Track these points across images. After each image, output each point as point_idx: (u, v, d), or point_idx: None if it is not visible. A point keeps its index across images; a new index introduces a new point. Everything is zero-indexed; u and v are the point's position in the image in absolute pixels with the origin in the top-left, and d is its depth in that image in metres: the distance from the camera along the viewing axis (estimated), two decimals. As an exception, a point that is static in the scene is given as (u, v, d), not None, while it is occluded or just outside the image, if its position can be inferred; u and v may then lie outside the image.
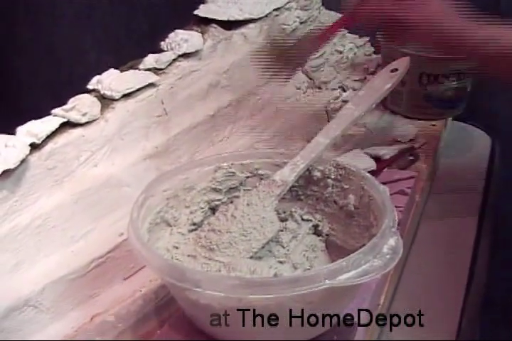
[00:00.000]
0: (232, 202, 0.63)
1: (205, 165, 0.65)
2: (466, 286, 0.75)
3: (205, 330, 0.57)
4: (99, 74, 0.79)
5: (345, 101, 0.94)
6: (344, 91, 0.96)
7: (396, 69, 0.67)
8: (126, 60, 1.24)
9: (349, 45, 0.99)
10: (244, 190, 0.66)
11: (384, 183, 0.73)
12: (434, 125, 0.95)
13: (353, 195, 0.62)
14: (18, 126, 0.68)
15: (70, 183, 0.69)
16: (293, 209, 0.65)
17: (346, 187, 0.63)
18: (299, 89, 0.93)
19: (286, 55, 0.93)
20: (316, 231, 0.65)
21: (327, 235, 0.65)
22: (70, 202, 0.68)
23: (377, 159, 0.84)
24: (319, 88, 0.95)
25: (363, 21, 0.80)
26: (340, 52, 0.98)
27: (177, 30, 0.85)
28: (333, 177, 0.63)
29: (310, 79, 0.94)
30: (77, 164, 0.70)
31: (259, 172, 0.66)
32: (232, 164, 0.65)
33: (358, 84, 0.97)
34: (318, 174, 0.64)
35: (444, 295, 0.73)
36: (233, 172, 0.66)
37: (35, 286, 0.63)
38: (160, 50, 0.86)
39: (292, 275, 0.52)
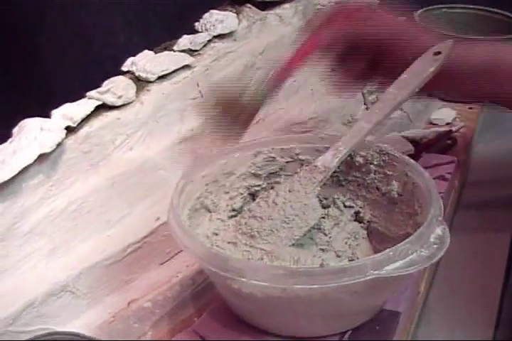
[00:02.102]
0: (272, 188, 0.62)
1: (245, 150, 0.64)
2: (504, 276, 0.73)
3: (245, 319, 0.56)
4: (130, 55, 0.78)
5: (381, 83, 0.92)
6: (381, 72, 0.94)
7: (439, 53, 0.65)
8: (156, 40, 1.22)
9: (385, 25, 0.97)
10: (285, 175, 0.64)
11: (425, 168, 0.72)
12: (471, 108, 0.93)
13: (396, 182, 0.60)
14: (48, 108, 0.67)
15: (105, 167, 0.68)
16: (335, 196, 0.64)
17: (389, 173, 0.61)
18: (334, 70, 0.91)
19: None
20: (357, 218, 0.64)
21: (368, 222, 0.63)
22: (105, 186, 0.67)
23: (414, 143, 0.82)
24: (355, 69, 0.92)
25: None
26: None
27: (212, 11, 0.84)
28: (375, 163, 0.62)
29: (346, 60, 0.92)
30: (113, 147, 0.69)
31: (300, 157, 0.64)
32: (272, 149, 0.64)
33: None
34: (360, 160, 0.62)
35: (481, 283, 0.72)
36: (273, 157, 0.64)
37: (72, 271, 0.62)
38: (194, 31, 0.85)
39: (339, 266, 0.51)
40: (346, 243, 0.60)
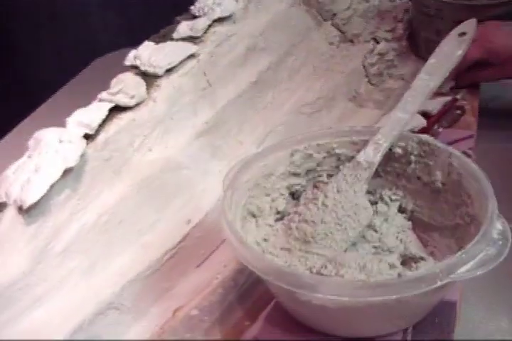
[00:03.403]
0: (316, 187, 0.61)
1: (281, 149, 0.62)
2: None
3: (308, 323, 0.55)
4: (107, 36, 0.74)
5: (380, 54, 0.91)
6: (377, 43, 0.92)
7: (464, 33, 0.63)
8: (132, 20, 1.18)
9: (374, -9, 0.95)
10: (323, 171, 0.63)
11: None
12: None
13: (439, 172, 0.59)
14: (28, 95, 0.64)
15: (128, 172, 0.65)
16: (382, 191, 0.63)
17: (431, 163, 0.60)
18: (331, 44, 0.88)
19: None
20: (400, 208, 0.63)
21: (411, 212, 0.63)
22: (132, 193, 0.64)
23: (424, 115, 0.81)
24: (351, 41, 0.90)
25: None
26: (367, 1, 0.93)
27: (206, -7, 0.80)
28: (416, 153, 0.61)
29: (341, 32, 0.90)
30: (132, 151, 0.66)
31: (336, 151, 0.62)
32: (308, 145, 0.62)
33: (389, 34, 0.93)
34: (399, 151, 0.61)
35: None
36: (310, 154, 0.62)
37: (114, 287, 0.60)
38: (187, 14, 0.81)
39: (416, 275, 0.49)
40: (397, 238, 0.59)
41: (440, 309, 0.57)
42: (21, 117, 1.02)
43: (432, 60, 0.63)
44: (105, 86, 0.73)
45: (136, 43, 1.16)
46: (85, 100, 0.75)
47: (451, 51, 0.63)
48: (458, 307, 0.59)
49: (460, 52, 0.62)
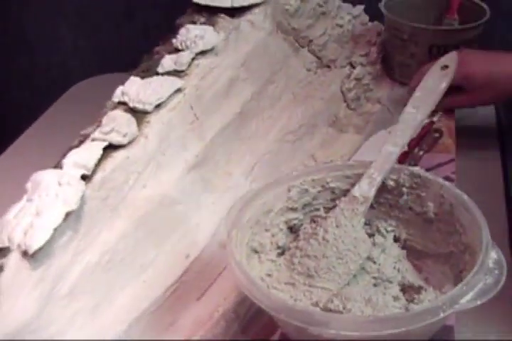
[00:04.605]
0: (314, 222, 0.63)
1: (279, 185, 0.64)
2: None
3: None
4: (78, 60, 0.75)
5: (357, 79, 0.93)
6: (353, 67, 0.94)
7: (446, 66, 0.66)
8: (104, 44, 1.18)
9: (347, 16, 0.97)
10: (324, 207, 0.65)
11: (427, 170, 0.74)
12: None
13: (431, 202, 0.62)
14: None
15: (125, 210, 0.66)
16: (378, 224, 0.65)
17: (423, 194, 0.63)
18: (309, 70, 0.91)
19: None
20: (394, 237, 0.66)
21: (405, 240, 0.65)
22: (130, 231, 0.65)
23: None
24: (328, 66, 0.92)
25: None
26: (341, 26, 0.96)
27: (188, 26, 0.81)
28: (407, 185, 0.63)
29: (318, 58, 0.92)
30: (128, 188, 0.67)
31: (331, 185, 0.65)
32: (304, 181, 0.64)
33: (364, 59, 0.95)
34: (391, 183, 0.64)
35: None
36: (306, 189, 0.65)
37: (122, 325, 0.62)
38: (165, 45, 0.83)
39: (422, 308, 0.52)
40: (395, 268, 0.62)
41: (440, 333, 0.59)
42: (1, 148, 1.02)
43: (417, 94, 0.66)
44: (84, 115, 0.75)
45: (107, 68, 1.18)
46: (65, 130, 0.77)
47: (435, 84, 0.66)
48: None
49: (444, 85, 0.65)
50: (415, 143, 0.83)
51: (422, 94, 0.65)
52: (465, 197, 0.59)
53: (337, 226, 0.60)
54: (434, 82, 0.66)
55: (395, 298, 0.57)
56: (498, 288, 0.52)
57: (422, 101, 0.65)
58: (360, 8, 1.00)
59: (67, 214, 0.59)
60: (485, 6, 0.95)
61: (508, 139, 0.96)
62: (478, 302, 0.51)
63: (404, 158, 0.80)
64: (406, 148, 0.82)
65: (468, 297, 0.51)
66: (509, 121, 1.00)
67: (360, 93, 0.93)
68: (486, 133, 0.95)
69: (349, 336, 0.49)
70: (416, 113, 0.65)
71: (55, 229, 0.58)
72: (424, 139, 0.84)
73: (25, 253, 0.57)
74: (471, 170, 0.84)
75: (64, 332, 0.59)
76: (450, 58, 0.67)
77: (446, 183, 0.61)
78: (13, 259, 0.57)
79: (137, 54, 0.83)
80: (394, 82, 0.96)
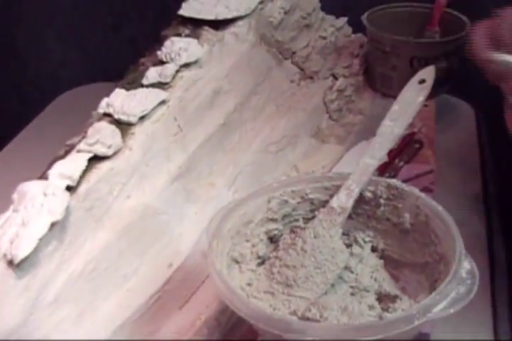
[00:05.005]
0: (293, 232, 0.64)
1: (259, 197, 0.65)
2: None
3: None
4: (67, 72, 0.76)
5: (339, 90, 0.95)
6: (336, 79, 0.96)
7: (424, 81, 0.68)
8: (92, 55, 1.19)
9: (330, 28, 0.99)
10: (303, 218, 0.67)
11: (406, 181, 0.76)
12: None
13: (407, 213, 0.64)
14: None
15: (109, 221, 0.68)
16: (356, 234, 0.67)
17: (399, 206, 0.64)
18: (292, 81, 0.92)
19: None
20: (372, 247, 0.67)
21: (382, 250, 0.67)
22: (114, 241, 0.67)
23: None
24: (311, 78, 0.94)
25: None
26: (324, 38, 0.97)
27: (172, 38, 0.83)
28: (384, 196, 0.65)
29: (301, 70, 0.94)
30: (112, 199, 0.68)
31: (310, 196, 0.66)
32: (284, 192, 0.66)
33: (346, 70, 0.97)
34: (369, 195, 0.65)
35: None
36: (285, 200, 0.66)
37: (105, 333, 0.63)
38: (150, 56, 0.84)
39: (396, 317, 0.54)
40: (372, 277, 0.64)
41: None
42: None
43: (395, 107, 0.67)
44: (70, 124, 0.76)
45: (95, 79, 1.19)
46: (51, 140, 0.78)
47: (412, 98, 0.67)
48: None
49: (421, 99, 0.67)
50: (395, 153, 0.85)
51: (400, 107, 0.67)
52: (440, 208, 0.61)
53: (315, 237, 0.62)
54: (411, 96, 0.68)
55: (371, 307, 0.59)
56: (470, 296, 0.53)
57: (399, 114, 0.67)
58: (344, 20, 1.02)
59: (53, 225, 0.61)
60: (465, 18, 0.97)
61: (488, 150, 0.98)
62: (451, 311, 0.52)
63: (384, 169, 0.82)
64: (386, 159, 0.83)
65: (441, 306, 0.52)
66: (490, 132, 1.02)
67: (343, 104, 0.95)
68: (466, 144, 0.97)
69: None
70: (393, 126, 0.66)
71: (41, 239, 0.59)
72: (404, 150, 0.86)
73: (10, 263, 0.59)
74: (451, 181, 0.86)
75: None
76: (427, 72, 0.69)
77: (422, 195, 0.63)
78: (-1, 268, 0.59)
79: (124, 64, 0.85)
80: (376, 93, 0.98)
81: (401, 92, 0.68)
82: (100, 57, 1.22)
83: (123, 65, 0.85)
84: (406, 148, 0.87)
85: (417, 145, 0.88)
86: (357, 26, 1.03)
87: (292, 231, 0.66)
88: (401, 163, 0.84)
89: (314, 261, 0.61)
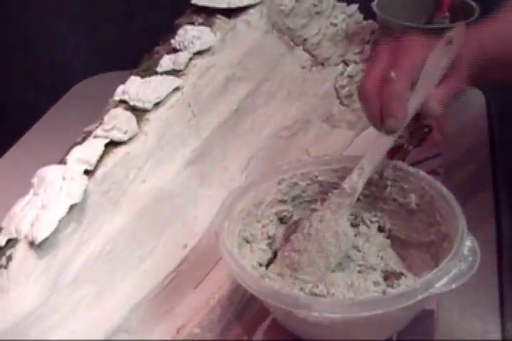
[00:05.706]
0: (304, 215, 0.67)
1: (269, 179, 0.67)
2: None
3: (303, 337, 0.61)
4: (80, 60, 0.77)
5: (350, 76, 0.96)
6: (347, 65, 0.98)
7: (450, 42, 0.64)
8: (105, 43, 1.21)
9: (341, 15, 1.00)
10: (312, 200, 0.69)
11: (414, 164, 0.78)
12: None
13: (413, 194, 0.66)
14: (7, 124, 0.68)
15: (125, 203, 0.70)
16: (363, 215, 0.69)
17: (406, 186, 0.66)
18: (304, 68, 0.94)
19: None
20: (379, 228, 0.69)
21: (389, 230, 0.69)
22: (130, 223, 0.69)
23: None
24: (322, 64, 0.96)
25: None
26: (335, 25, 0.99)
27: (186, 27, 0.85)
28: (391, 178, 0.67)
29: (312, 56, 0.95)
30: (128, 183, 0.71)
31: (319, 178, 0.69)
32: (293, 174, 0.68)
33: (358, 56, 0.98)
34: (376, 176, 0.67)
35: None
36: (295, 182, 0.68)
37: (122, 311, 0.66)
38: (165, 44, 0.86)
39: (399, 292, 0.56)
40: (378, 255, 0.66)
41: (420, 317, 0.63)
42: (6, 145, 1.06)
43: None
44: (87, 112, 0.79)
45: (109, 67, 1.21)
46: (69, 128, 0.81)
47: (436, 61, 0.64)
48: (436, 314, 0.66)
49: (445, 62, 0.64)
50: (406, 140, 0.87)
51: (424, 73, 0.63)
52: (444, 189, 0.63)
53: (321, 221, 0.63)
54: (435, 59, 0.64)
55: (376, 283, 0.61)
56: (471, 273, 0.55)
57: (422, 77, 0.63)
58: (355, 7, 1.03)
59: (71, 207, 0.63)
60: (474, 4, 0.98)
61: (499, 134, 0.99)
62: (453, 286, 0.54)
63: (393, 154, 0.84)
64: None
65: (443, 281, 0.54)
66: (500, 116, 1.03)
67: (353, 90, 0.96)
68: (475, 128, 0.98)
69: (331, 318, 0.53)
70: (415, 91, 0.63)
71: (60, 221, 0.62)
72: (413, 134, 0.88)
73: (31, 244, 0.61)
74: (459, 165, 0.88)
75: (68, 318, 0.63)
76: (457, 31, 0.64)
77: (427, 176, 0.65)
78: (21, 249, 0.62)
79: (138, 52, 0.87)
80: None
81: (429, 56, 0.64)
82: (113, 44, 1.24)
83: (136, 53, 0.87)
84: (415, 133, 0.88)
85: (426, 130, 0.89)
86: (368, 13, 1.04)
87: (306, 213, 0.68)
88: (410, 147, 0.86)
89: (317, 246, 0.63)
